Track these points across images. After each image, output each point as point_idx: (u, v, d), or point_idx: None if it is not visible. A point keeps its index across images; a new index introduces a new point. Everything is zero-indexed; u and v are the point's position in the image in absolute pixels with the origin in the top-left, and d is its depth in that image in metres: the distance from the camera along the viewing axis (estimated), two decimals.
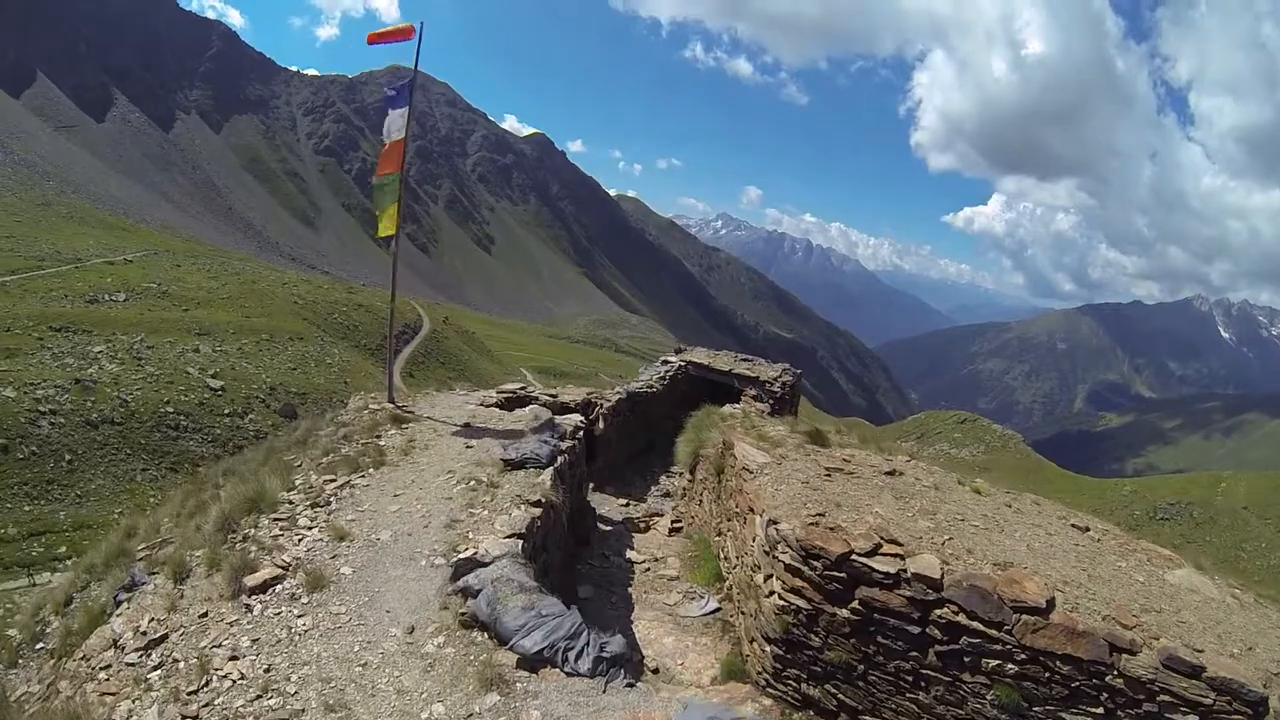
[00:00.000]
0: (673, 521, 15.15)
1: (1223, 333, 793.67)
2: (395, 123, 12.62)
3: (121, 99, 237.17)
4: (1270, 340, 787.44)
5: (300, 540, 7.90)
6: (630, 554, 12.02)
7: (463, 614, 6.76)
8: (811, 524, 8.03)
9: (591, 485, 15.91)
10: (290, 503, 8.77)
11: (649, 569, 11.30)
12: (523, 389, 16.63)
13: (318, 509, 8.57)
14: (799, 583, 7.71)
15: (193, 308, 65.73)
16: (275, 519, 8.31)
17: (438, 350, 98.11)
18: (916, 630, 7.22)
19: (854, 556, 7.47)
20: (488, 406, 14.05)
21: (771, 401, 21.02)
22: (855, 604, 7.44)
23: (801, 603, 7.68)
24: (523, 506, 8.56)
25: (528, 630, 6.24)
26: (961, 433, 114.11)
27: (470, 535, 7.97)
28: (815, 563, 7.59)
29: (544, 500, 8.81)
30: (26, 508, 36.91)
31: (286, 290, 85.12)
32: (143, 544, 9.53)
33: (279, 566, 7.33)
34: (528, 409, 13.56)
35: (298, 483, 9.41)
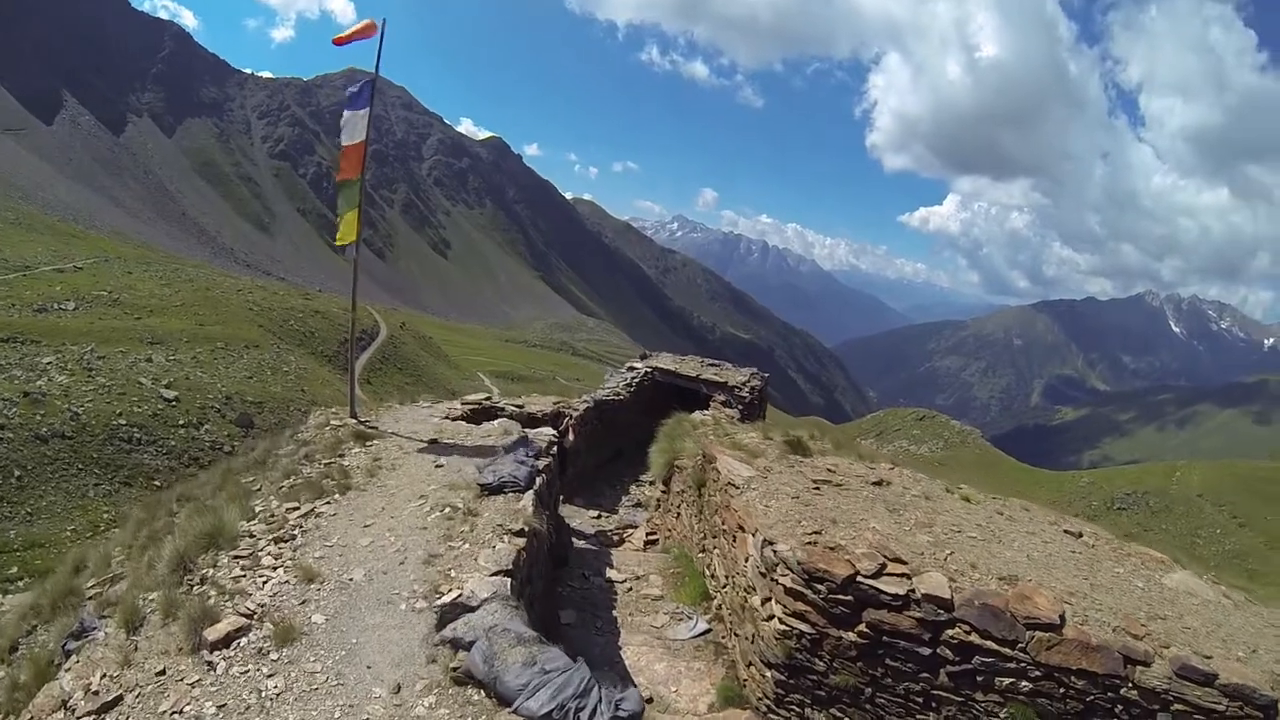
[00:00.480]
0: (648, 534, 14.78)
1: (1174, 327, 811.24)
2: (354, 124, 11.80)
3: (71, 101, 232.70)
4: (1220, 333, 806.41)
5: (265, 583, 7.07)
6: (610, 573, 11.37)
7: (454, 669, 6.02)
8: (809, 543, 7.65)
9: (561, 497, 15.33)
10: (251, 535, 7.99)
11: (631, 589, 10.70)
12: (488, 399, 16.22)
13: (282, 544, 7.77)
14: (802, 606, 7.31)
15: (145, 316, 64.06)
16: (236, 556, 7.52)
17: (395, 356, 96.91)
18: (927, 651, 6.93)
19: (860, 578, 7.12)
20: (454, 420, 13.48)
21: (741, 407, 20.74)
22: (862, 627, 7.09)
23: (805, 627, 7.29)
24: (506, 538, 7.88)
25: (532, 690, 5.54)
26: (920, 429, 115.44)
27: (452, 573, 7.23)
28: (819, 586, 7.19)
29: (528, 529, 8.14)
30: None
31: (241, 297, 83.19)
32: (93, 580, 8.79)
33: (243, 615, 6.55)
34: (496, 423, 13.01)
35: (258, 510, 8.67)
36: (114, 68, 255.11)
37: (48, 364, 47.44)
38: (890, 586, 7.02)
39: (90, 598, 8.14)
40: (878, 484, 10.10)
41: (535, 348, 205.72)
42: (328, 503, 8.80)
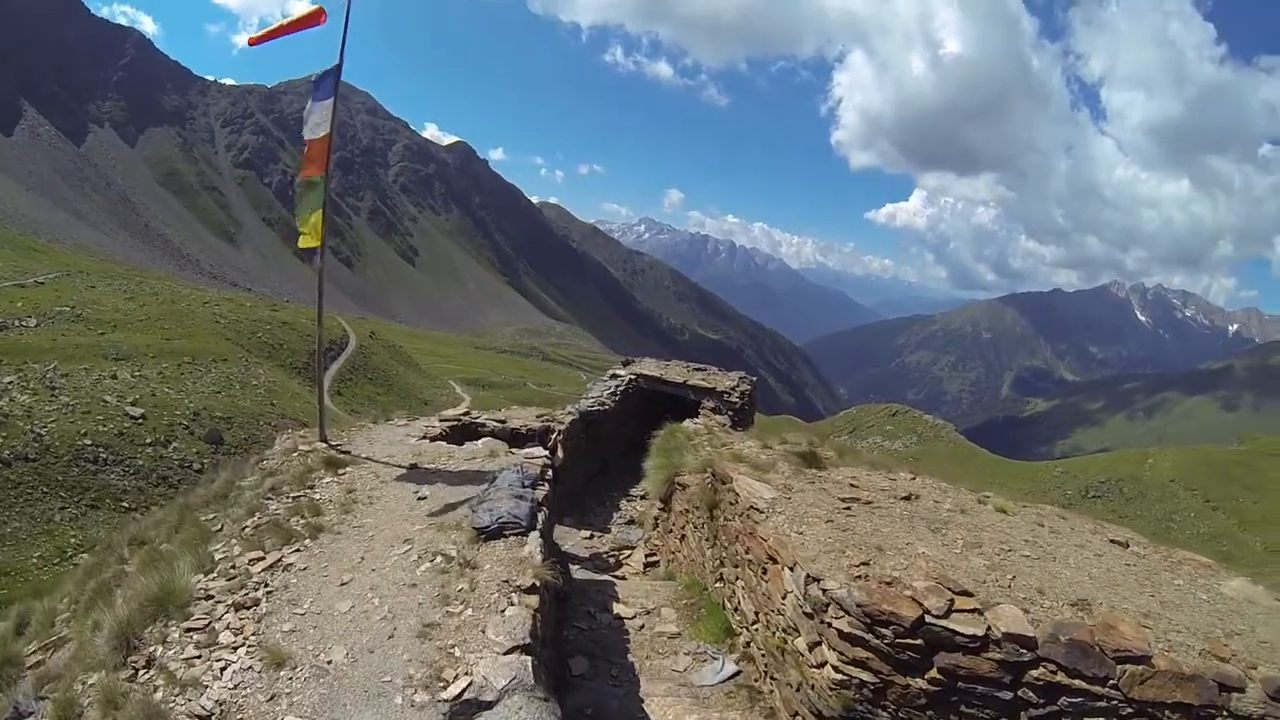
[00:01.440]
0: (647, 555, 13.86)
1: (1139, 316, 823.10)
2: (317, 117, 10.55)
3: (30, 111, 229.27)
4: (1184, 321, 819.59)
5: (224, 669, 5.61)
6: (618, 607, 10.17)
7: None
8: (858, 576, 6.64)
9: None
10: (209, 596, 6.63)
11: (644, 625, 9.47)
12: (467, 415, 15.23)
13: (244, 611, 6.36)
14: (862, 653, 6.24)
15: (109, 331, 62.49)
16: (189, 630, 6.11)
17: (365, 366, 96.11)
18: (1008, 695, 6.02)
19: (930, 619, 6.09)
20: (433, 440, 12.44)
21: (731, 413, 19.90)
22: (934, 673, 6.08)
23: (866, 675, 6.23)
24: (515, 596, 6.52)
25: None
26: (894, 425, 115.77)
27: (456, 651, 5.82)
28: (883, 630, 6.13)
29: (539, 583, 6.81)
30: None
31: (208, 309, 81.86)
32: (34, 643, 7.75)
33: (197, 718, 5.19)
34: (480, 443, 11.98)
35: (218, 559, 7.42)
36: (74, 76, 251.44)
37: (9, 383, 46.18)
38: (964, 626, 6.08)
39: (30, 666, 7.13)
40: (907, 499, 9.21)
41: (505, 353, 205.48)
42: (297, 550, 7.55)
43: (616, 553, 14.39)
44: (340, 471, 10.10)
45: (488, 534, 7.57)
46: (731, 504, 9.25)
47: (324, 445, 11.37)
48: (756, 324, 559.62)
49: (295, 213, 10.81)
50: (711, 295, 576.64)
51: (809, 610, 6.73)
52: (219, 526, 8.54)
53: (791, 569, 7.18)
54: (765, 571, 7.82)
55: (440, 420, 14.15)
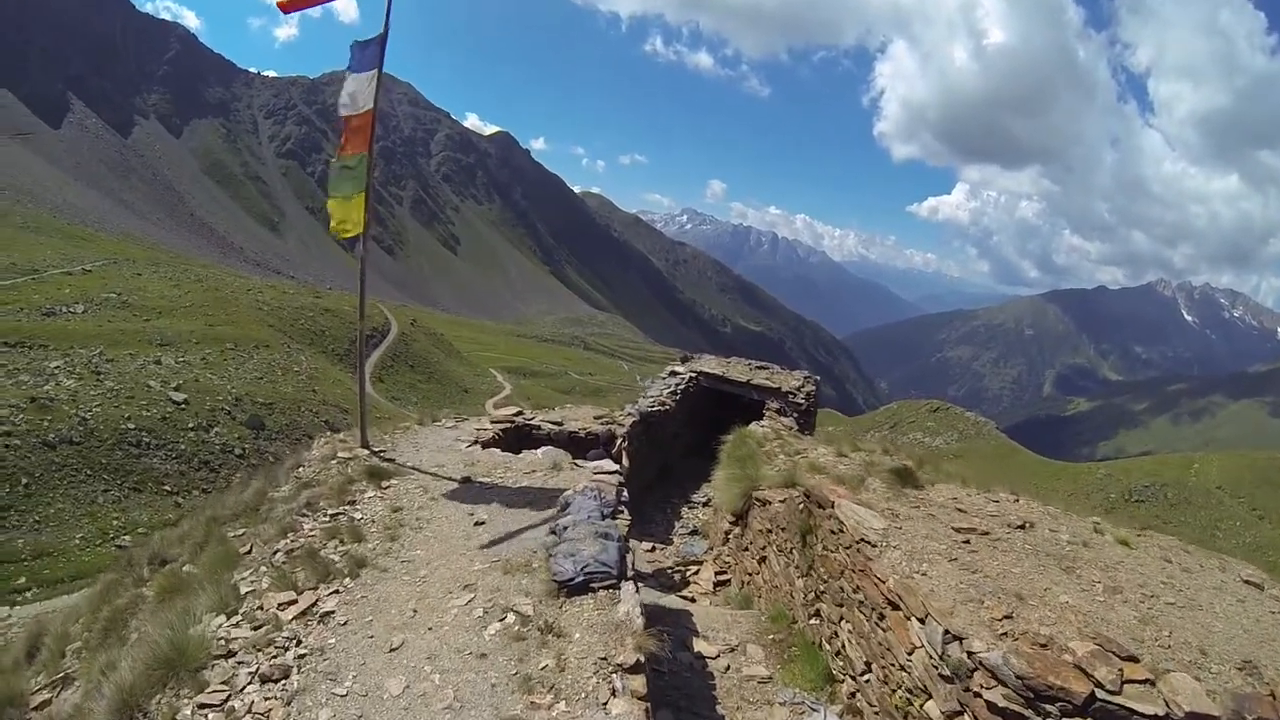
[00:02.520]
0: (716, 573, 12.58)
1: (1186, 316, 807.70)
2: (360, 89, 9.51)
3: (78, 105, 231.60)
4: (1232, 322, 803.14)
5: None
6: (698, 643, 8.70)
7: None
8: (1002, 632, 5.56)
9: None
10: (229, 654, 5.34)
11: (729, 666, 8.16)
12: (519, 414, 14.11)
13: (270, 685, 5.04)
14: None
15: (154, 317, 62.65)
16: (203, 706, 4.82)
17: (406, 354, 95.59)
18: None
19: (1101, 695, 4.92)
20: (485, 445, 11.37)
21: (796, 415, 18.53)
22: None
23: None
24: (618, 681, 4.96)
25: None
26: (935, 421, 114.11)
27: None
28: (1047, 706, 4.98)
29: (644, 659, 5.29)
30: None
31: (251, 296, 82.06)
32: (43, 675, 6.92)
33: None
34: (539, 453, 10.83)
35: (244, 592, 6.34)
36: (120, 70, 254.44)
37: (55, 368, 46.42)
38: (1141, 703, 4.91)
39: (36, 707, 6.37)
40: (1022, 528, 8.12)
41: (547, 342, 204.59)
42: (336, 591, 6.36)
43: (682, 568, 13.01)
44: (384, 484, 9.05)
45: (571, 587, 6.22)
46: (834, 533, 8.09)
47: (365, 452, 10.34)
48: (798, 316, 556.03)
49: (329, 195, 9.70)
50: (754, 287, 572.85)
51: (948, 674, 5.59)
52: (247, 547, 7.57)
53: (922, 621, 6.04)
54: (883, 618, 6.62)
55: (492, 422, 13.09)
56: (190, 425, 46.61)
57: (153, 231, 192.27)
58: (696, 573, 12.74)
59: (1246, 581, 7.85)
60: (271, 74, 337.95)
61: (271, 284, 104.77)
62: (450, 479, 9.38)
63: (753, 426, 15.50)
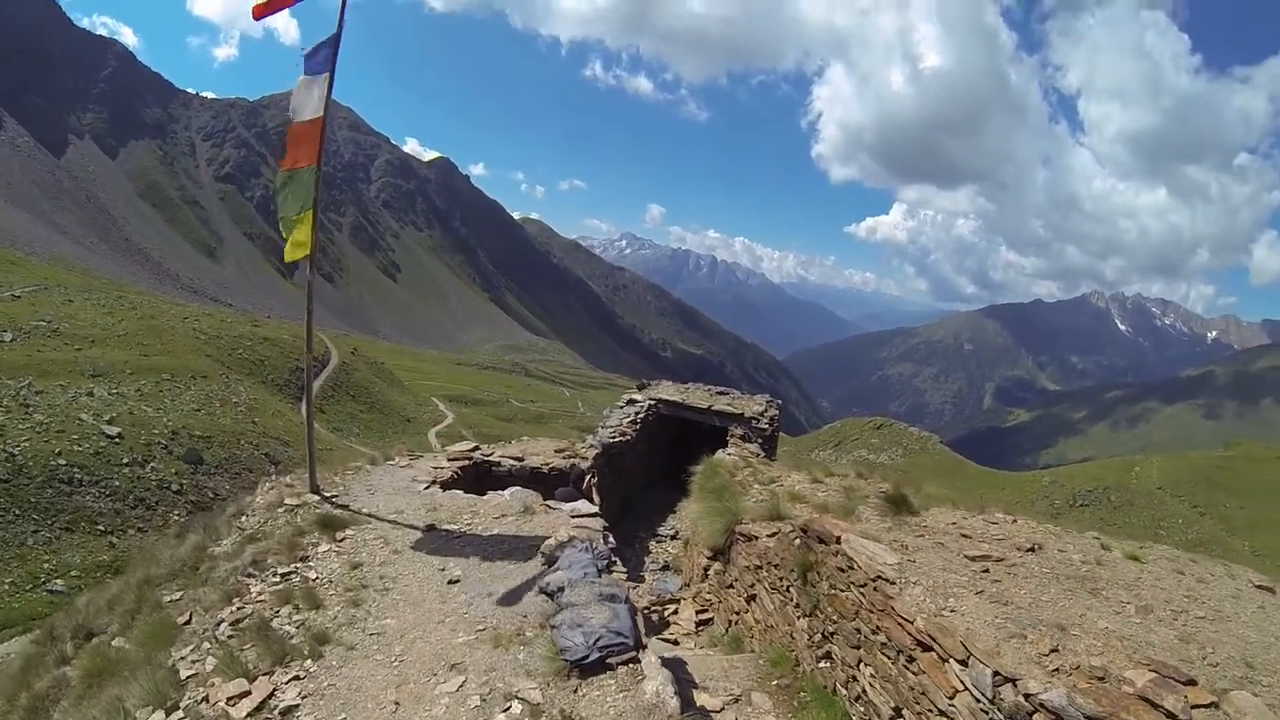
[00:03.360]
0: (697, 612, 11.81)
1: (1119, 325, 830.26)
2: (310, 96, 9.02)
3: (10, 121, 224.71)
4: (1164, 329, 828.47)
5: None
6: (698, 695, 7.29)
7: None
8: (1053, 668, 5.12)
9: None
10: None
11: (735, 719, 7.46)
12: (476, 450, 13.53)
13: None
14: None
15: (86, 347, 60.38)
16: None
17: (347, 383, 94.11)
18: None
19: None
20: (445, 487, 10.66)
21: (760, 441, 18.10)
22: None
23: None
24: None
25: None
26: (879, 438, 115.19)
27: None
28: None
29: None
30: None
31: (187, 325, 79.50)
32: None
33: None
34: (506, 494, 10.09)
35: (184, 676, 5.33)
36: (55, 87, 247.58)
37: None
38: None
39: None
40: (1031, 550, 7.76)
41: (488, 370, 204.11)
42: (296, 677, 5.27)
43: (659, 607, 12.16)
44: (339, 536, 8.15)
45: (584, 666, 5.25)
46: (842, 570, 7.49)
47: (315, 497, 9.41)
48: (738, 338, 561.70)
49: (278, 213, 8.94)
50: (693, 310, 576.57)
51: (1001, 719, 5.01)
52: (186, 616, 6.60)
53: (963, 663, 5.50)
54: (912, 660, 6.08)
55: (449, 460, 12.30)
56: (125, 460, 44.89)
57: (86, 256, 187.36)
58: (675, 612, 11.98)
59: (1259, 587, 7.79)
60: (210, 95, 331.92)
61: (209, 312, 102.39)
62: (413, 527, 8.55)
63: (721, 455, 15.09)
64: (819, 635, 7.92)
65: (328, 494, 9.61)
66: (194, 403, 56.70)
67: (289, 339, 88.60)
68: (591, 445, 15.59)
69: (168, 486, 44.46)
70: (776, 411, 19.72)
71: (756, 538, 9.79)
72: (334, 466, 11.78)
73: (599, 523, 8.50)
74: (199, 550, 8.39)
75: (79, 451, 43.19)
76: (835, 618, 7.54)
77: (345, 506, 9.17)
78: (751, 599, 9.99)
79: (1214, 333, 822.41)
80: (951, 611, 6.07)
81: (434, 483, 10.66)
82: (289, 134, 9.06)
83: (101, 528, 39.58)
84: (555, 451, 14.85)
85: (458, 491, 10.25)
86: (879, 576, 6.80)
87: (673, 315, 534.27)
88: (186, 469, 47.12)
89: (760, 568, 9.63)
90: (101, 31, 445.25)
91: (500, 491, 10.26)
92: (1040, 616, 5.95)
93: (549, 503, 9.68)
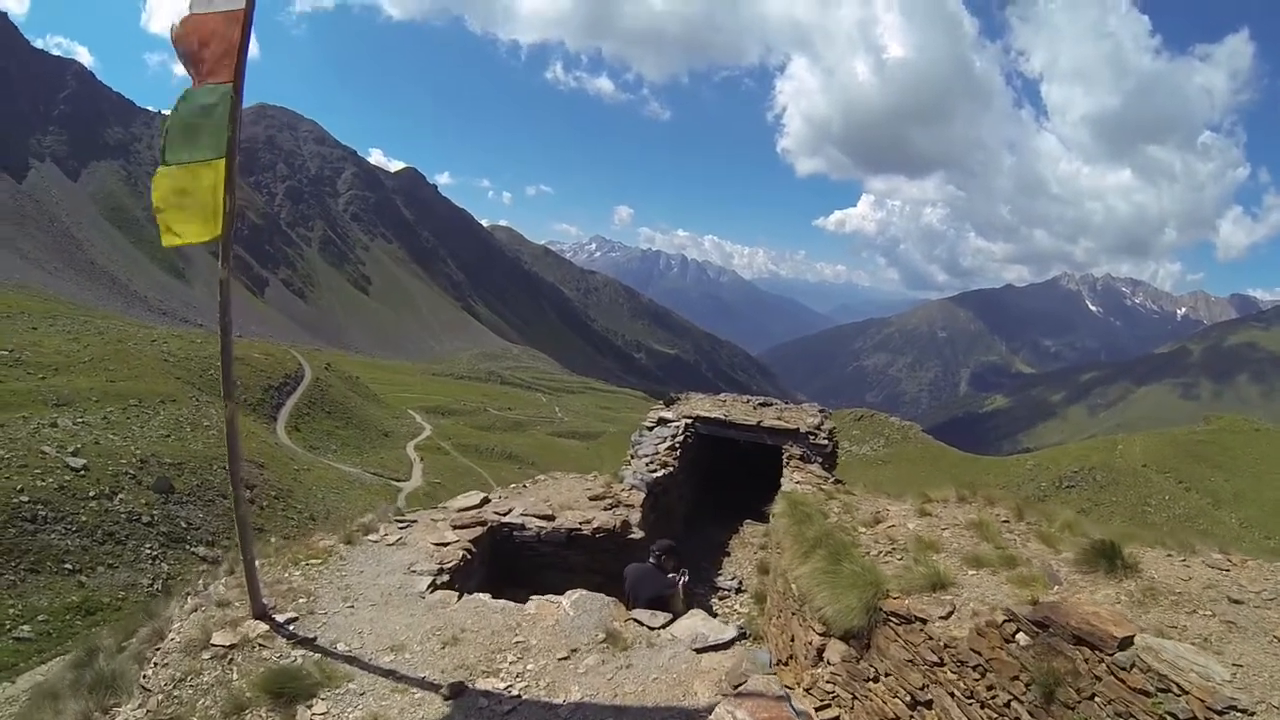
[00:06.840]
0: (817, 709, 7.87)
1: (1090, 306, 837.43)
2: None
3: None
4: (1134, 308, 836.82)
5: None
6: None
7: None
8: None
9: None
10: None
11: None
12: (485, 502, 10.44)
13: None
14: None
15: (50, 375, 58.68)
16: None
17: (322, 400, 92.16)
18: None
19: None
20: (454, 574, 7.73)
21: (821, 460, 15.02)
22: None
23: None
24: None
25: None
26: (860, 429, 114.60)
27: None
28: None
29: None
30: None
31: (155, 348, 77.43)
32: None
33: None
34: (567, 603, 6.73)
35: None
36: (13, 109, 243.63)
37: None
38: None
39: None
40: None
41: (463, 379, 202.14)
42: None
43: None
44: (295, 712, 5.03)
45: None
46: (1144, 693, 4.57)
47: (262, 627, 5.99)
48: (712, 337, 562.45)
49: (163, 157, 5.89)
50: (666, 311, 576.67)
51: None
52: None
53: None
54: None
55: (454, 528, 8.94)
56: (91, 494, 43.25)
57: (50, 282, 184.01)
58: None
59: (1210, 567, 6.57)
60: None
61: (178, 333, 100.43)
62: (426, 687, 5.19)
63: (796, 487, 12.44)
64: None
65: (281, 616, 6.15)
66: (163, 428, 55.19)
67: (260, 357, 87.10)
68: (634, 486, 12.59)
69: (138, 519, 42.92)
70: (833, 424, 16.83)
71: (925, 621, 6.89)
72: (294, 547, 8.31)
73: (772, 682, 5.63)
74: None
75: (42, 486, 41.45)
76: None
77: (310, 641, 5.83)
78: (920, 705, 6.91)
79: (1184, 309, 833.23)
80: None
81: (440, 571, 7.48)
82: (186, 31, 5.52)
83: (69, 566, 37.95)
84: (590, 500, 11.45)
85: (483, 597, 6.91)
86: (1230, 708, 4.12)
87: (645, 317, 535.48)
88: (157, 499, 45.61)
89: (940, 665, 6.67)
90: (57, 52, 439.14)
91: (551, 598, 6.92)
92: None
93: (636, 616, 6.49)
